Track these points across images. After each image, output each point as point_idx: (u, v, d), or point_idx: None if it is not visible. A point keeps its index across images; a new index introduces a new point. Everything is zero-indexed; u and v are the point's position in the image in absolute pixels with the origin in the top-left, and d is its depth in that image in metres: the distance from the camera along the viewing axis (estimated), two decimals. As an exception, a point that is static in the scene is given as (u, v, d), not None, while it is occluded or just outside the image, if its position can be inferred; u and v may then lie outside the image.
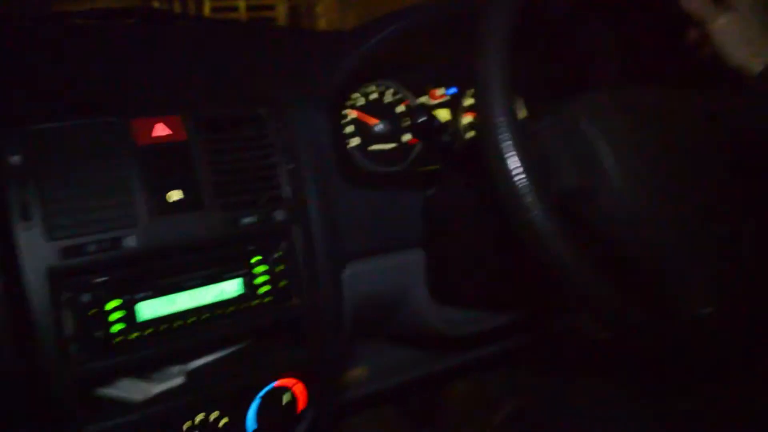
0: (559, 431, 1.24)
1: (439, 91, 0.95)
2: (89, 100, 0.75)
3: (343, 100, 0.89)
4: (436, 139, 0.94)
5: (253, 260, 0.78)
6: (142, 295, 0.70)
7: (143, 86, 0.81)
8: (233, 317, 0.76)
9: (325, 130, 0.85)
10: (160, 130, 0.73)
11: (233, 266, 0.76)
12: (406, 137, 0.93)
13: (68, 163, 0.67)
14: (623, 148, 0.62)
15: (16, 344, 0.65)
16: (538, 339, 1.24)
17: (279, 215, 0.78)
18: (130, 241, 0.69)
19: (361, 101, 0.90)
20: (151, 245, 0.70)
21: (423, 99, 0.94)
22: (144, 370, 0.75)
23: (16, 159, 0.65)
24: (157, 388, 0.74)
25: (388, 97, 0.92)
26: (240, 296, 0.77)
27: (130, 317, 0.70)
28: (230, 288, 0.76)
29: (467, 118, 0.97)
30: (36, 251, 0.64)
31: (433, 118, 0.94)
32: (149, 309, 0.71)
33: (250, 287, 0.77)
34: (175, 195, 0.72)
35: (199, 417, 0.75)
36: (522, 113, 1.00)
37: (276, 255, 0.79)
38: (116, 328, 0.69)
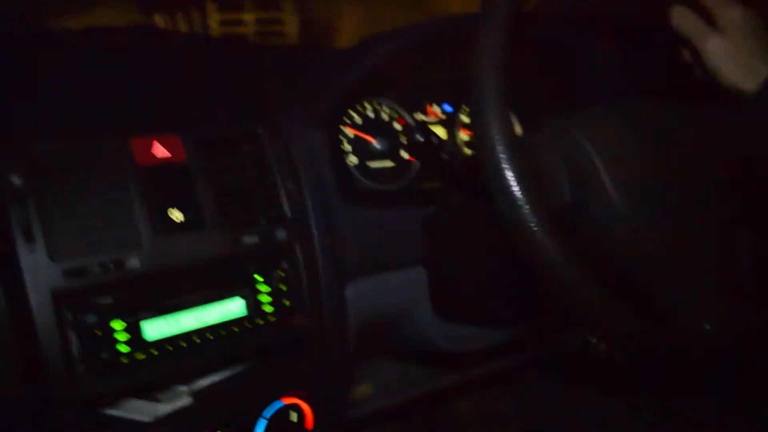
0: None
1: (435, 109, 0.96)
2: (89, 120, 0.75)
3: (340, 119, 0.90)
4: (434, 157, 0.95)
5: (256, 279, 0.78)
6: (146, 315, 0.70)
7: (142, 106, 0.81)
8: (238, 337, 0.76)
9: (324, 148, 0.86)
10: (160, 150, 0.74)
11: (236, 286, 0.77)
12: (405, 155, 0.93)
13: (69, 184, 0.67)
14: (619, 163, 0.63)
15: (23, 365, 0.65)
16: (543, 355, 1.24)
17: (280, 234, 0.79)
18: (133, 262, 0.69)
19: (358, 119, 0.91)
20: (154, 266, 0.70)
21: (419, 116, 0.95)
22: (150, 391, 0.75)
23: (17, 180, 0.65)
24: (164, 408, 0.74)
25: (384, 115, 0.93)
26: (244, 316, 0.77)
27: (135, 338, 0.69)
28: (234, 307, 0.76)
29: (464, 136, 0.97)
30: (39, 273, 0.64)
31: (430, 135, 0.94)
32: (154, 329, 0.71)
33: (253, 306, 0.77)
34: (176, 215, 0.72)
35: (206, 437, 0.75)
36: (516, 130, 1.00)
37: (278, 274, 0.80)
38: (122, 348, 0.69)
